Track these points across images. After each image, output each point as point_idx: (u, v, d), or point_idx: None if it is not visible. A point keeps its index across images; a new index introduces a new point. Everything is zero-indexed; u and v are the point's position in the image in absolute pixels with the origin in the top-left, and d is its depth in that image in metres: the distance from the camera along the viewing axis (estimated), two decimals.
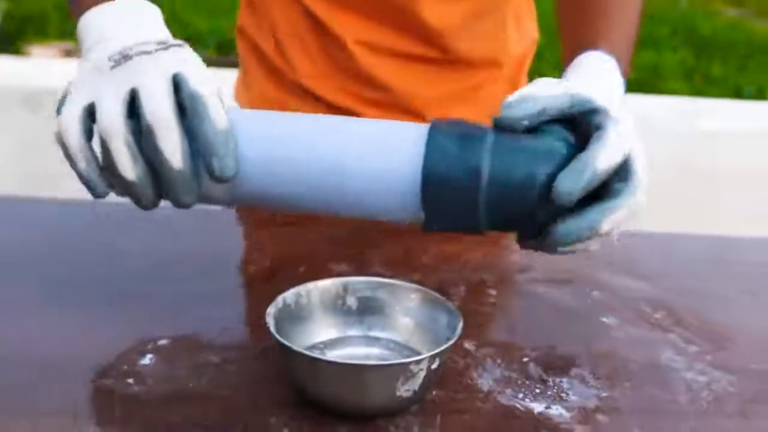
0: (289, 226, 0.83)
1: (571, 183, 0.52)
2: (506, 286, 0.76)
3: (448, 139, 0.55)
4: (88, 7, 0.59)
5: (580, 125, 0.57)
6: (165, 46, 0.55)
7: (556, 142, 0.56)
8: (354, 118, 0.61)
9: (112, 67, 0.53)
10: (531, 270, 0.78)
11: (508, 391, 0.59)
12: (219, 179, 0.53)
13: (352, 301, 0.62)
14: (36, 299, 0.68)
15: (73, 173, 0.56)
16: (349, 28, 0.84)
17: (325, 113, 0.71)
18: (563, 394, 0.59)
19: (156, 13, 0.60)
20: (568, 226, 0.54)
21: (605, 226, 0.54)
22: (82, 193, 0.59)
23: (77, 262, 0.75)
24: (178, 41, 0.57)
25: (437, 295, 0.61)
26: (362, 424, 0.54)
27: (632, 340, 0.68)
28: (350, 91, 0.88)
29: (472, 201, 0.55)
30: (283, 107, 0.70)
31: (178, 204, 0.55)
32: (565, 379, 0.61)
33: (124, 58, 0.54)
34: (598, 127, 0.55)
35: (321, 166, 0.56)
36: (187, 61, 0.55)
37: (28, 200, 0.91)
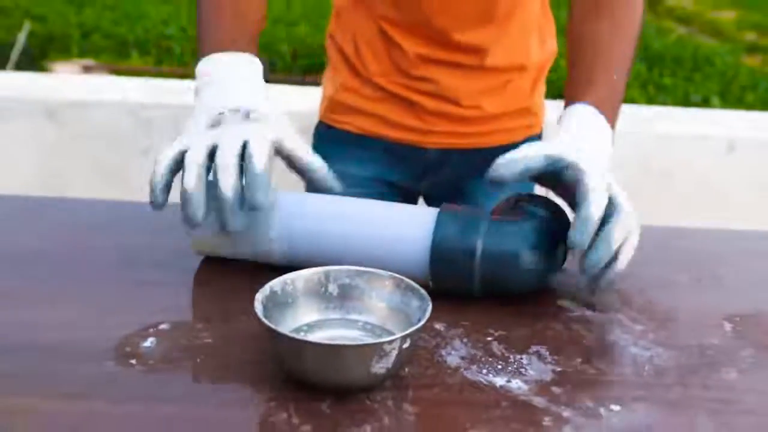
0: None
1: (581, 235, 0.62)
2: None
3: (452, 223, 0.66)
4: (209, 50, 0.73)
5: (560, 177, 0.67)
6: (247, 117, 0.66)
7: (535, 225, 0.66)
8: (380, 202, 0.72)
9: (208, 128, 0.66)
10: None
11: (474, 367, 0.59)
12: (251, 206, 0.62)
13: (333, 288, 0.62)
14: (50, 289, 0.68)
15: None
16: (409, 43, 0.99)
17: (388, 101, 1.03)
18: (522, 370, 0.59)
19: (257, 71, 0.73)
20: (590, 256, 0.64)
21: (617, 237, 0.64)
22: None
23: (89, 255, 0.74)
24: (262, 112, 0.67)
25: (410, 281, 0.61)
26: (341, 398, 0.54)
27: (585, 320, 0.68)
28: (407, 86, 1.02)
29: (468, 273, 0.66)
30: (357, 93, 1.05)
31: (225, 226, 0.63)
32: (524, 356, 0.61)
33: (216, 123, 0.66)
34: (576, 180, 0.65)
35: (354, 240, 0.68)
36: (257, 131, 0.64)
37: (47, 200, 0.91)
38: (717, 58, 15.15)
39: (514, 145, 0.73)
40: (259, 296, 0.57)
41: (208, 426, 0.51)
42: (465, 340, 0.63)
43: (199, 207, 0.62)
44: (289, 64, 12.60)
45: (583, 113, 0.74)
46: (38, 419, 0.51)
